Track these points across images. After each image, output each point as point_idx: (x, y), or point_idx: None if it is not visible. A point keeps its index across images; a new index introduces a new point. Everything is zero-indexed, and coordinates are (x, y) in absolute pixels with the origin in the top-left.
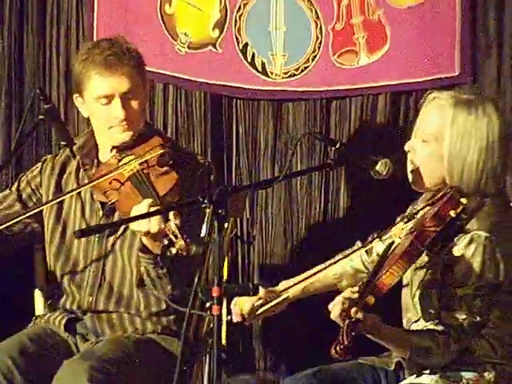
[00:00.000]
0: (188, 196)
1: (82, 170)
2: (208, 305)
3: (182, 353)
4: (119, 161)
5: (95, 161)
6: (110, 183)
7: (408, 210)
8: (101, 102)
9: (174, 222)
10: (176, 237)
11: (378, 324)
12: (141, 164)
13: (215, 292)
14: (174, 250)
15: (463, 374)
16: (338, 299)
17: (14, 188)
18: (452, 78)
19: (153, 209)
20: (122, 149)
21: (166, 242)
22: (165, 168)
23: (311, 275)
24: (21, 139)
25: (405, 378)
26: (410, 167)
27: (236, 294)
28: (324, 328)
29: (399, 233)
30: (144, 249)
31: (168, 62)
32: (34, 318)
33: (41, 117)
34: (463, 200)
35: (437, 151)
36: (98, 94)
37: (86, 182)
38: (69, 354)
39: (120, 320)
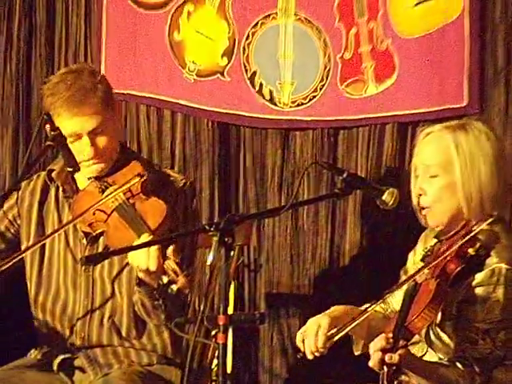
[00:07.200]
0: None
1: (61, 197)
2: (213, 333)
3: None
4: (102, 191)
5: (74, 186)
6: (94, 214)
7: (418, 245)
8: (69, 140)
9: (173, 260)
10: (176, 274)
11: (411, 358)
12: (125, 193)
13: (221, 320)
14: (175, 288)
15: None
16: (375, 347)
17: None
18: (460, 108)
19: (153, 247)
20: (100, 176)
21: (165, 279)
22: (152, 197)
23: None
24: (28, 165)
25: None
26: (421, 210)
27: (242, 323)
28: (329, 357)
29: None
30: (141, 282)
31: (176, 89)
32: (32, 350)
33: (48, 143)
34: (480, 236)
35: (449, 182)
36: (66, 132)
37: (67, 210)
38: None
39: (114, 354)
